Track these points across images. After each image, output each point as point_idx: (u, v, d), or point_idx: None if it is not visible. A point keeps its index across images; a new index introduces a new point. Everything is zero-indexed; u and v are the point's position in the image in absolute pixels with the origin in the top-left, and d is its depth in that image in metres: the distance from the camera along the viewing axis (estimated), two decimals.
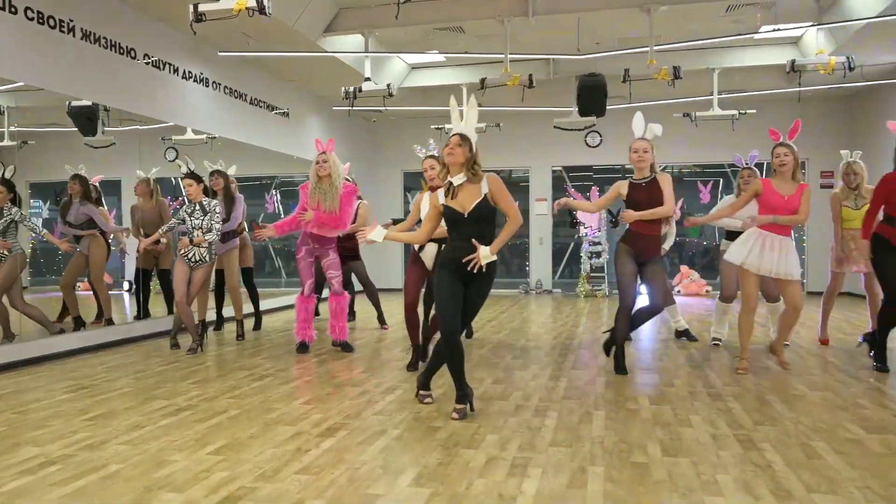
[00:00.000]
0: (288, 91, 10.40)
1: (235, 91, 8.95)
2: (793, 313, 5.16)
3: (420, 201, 5.12)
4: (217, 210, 6.31)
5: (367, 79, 8.39)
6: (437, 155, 5.37)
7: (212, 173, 7.19)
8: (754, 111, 10.14)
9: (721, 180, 13.13)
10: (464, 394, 4.00)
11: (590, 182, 13.08)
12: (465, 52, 9.48)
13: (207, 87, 8.35)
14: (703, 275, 12.45)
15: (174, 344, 6.49)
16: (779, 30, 7.94)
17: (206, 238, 6.22)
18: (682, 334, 6.86)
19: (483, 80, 8.24)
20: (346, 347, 6.27)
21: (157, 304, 7.85)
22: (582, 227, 12.26)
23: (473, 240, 3.87)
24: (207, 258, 6.30)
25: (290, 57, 8.63)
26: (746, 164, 6.54)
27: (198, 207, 6.27)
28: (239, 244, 7.37)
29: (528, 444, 3.44)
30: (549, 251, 13.32)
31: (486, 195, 3.89)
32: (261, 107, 9.61)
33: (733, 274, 6.13)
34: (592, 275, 12.25)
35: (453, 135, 3.91)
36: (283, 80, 10.16)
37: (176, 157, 8.77)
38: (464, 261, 3.87)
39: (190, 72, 8.00)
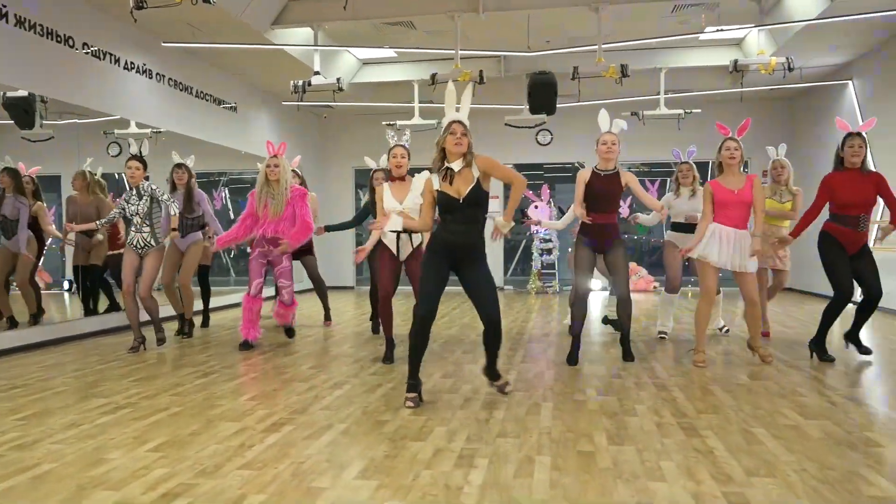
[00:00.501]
0: (236, 85, 10.21)
1: (181, 84, 8.74)
2: (750, 306, 5.25)
3: (382, 195, 5.26)
4: (164, 197, 6.05)
5: (317, 73, 8.29)
6: (407, 146, 5.52)
7: (177, 166, 6.92)
8: (699, 110, 10.36)
9: (668, 179, 13.40)
10: (414, 384, 4.08)
11: (540, 181, 13.20)
12: (417, 48, 9.46)
13: (151, 78, 8.13)
14: (651, 272, 12.70)
15: (139, 344, 6.05)
16: (722, 30, 8.12)
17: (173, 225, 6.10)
18: (611, 322, 6.89)
19: (434, 76, 8.23)
20: (247, 345, 6.14)
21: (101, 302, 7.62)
22: (534, 226, 12.34)
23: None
24: (153, 242, 5.97)
25: (237, 49, 8.46)
26: (685, 160, 6.71)
27: (134, 192, 5.96)
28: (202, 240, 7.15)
29: (475, 436, 3.44)
30: (501, 249, 13.38)
31: (478, 179, 3.98)
32: (207, 100, 9.40)
33: (678, 266, 6.39)
34: (543, 271, 12.36)
35: (454, 123, 3.95)
36: (230, 73, 9.96)
37: (120, 153, 8.53)
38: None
39: (132, 62, 7.77)
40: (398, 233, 5.33)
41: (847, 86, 9.98)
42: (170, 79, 8.49)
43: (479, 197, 3.99)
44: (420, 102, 10.61)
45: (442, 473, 2.91)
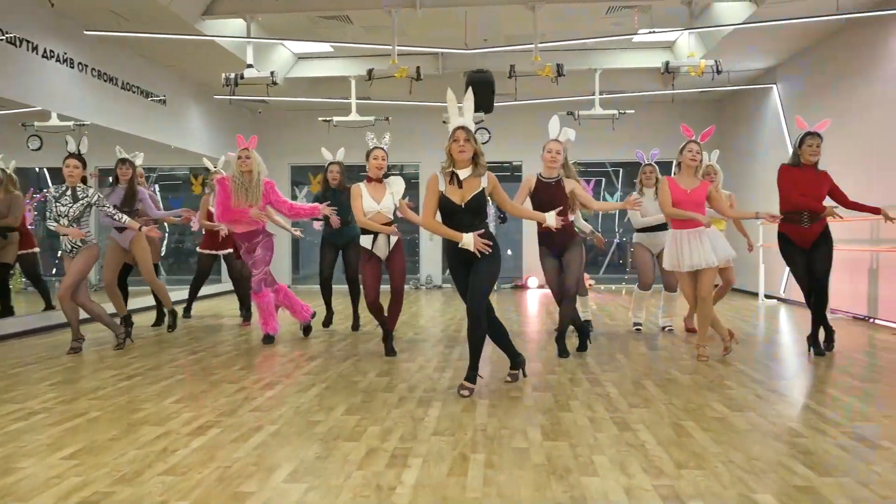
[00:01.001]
0: (165, 77, 9.87)
1: (106, 74, 8.38)
2: (700, 304, 5.32)
3: (360, 191, 5.39)
4: (104, 205, 5.83)
5: (250, 65, 8.07)
6: (386, 149, 5.67)
7: (121, 161, 6.65)
8: (633, 111, 10.57)
9: (603, 179, 13.66)
10: (515, 361, 4.51)
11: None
12: (353, 43, 9.32)
13: (73, 68, 7.76)
14: (586, 269, 12.90)
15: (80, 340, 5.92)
16: (654, 32, 8.29)
17: (121, 220, 5.92)
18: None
19: (370, 71, 8.15)
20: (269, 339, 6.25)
21: (19, 302, 7.25)
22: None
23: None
24: (80, 243, 5.70)
25: (165, 40, 8.17)
26: (647, 161, 6.87)
27: (69, 192, 5.67)
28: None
29: (410, 435, 3.38)
30: (439, 247, 13.35)
31: (483, 189, 4.12)
32: (135, 92, 9.04)
33: (650, 265, 6.65)
34: None
35: (458, 129, 4.04)
36: (160, 64, 9.62)
37: (40, 146, 8.13)
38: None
39: (52, 51, 7.40)
40: (375, 234, 5.41)
41: (772, 89, 10.35)
42: (94, 69, 8.13)
43: (479, 204, 4.14)
44: (357, 98, 10.50)
45: (374, 474, 2.84)
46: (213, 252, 7.74)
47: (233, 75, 8.01)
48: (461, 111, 4.14)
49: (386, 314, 5.66)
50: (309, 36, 9.46)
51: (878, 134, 7.54)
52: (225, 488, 2.69)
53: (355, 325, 7.08)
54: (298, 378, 4.75)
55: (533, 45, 8.10)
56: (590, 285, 12.54)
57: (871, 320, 7.56)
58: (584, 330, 5.70)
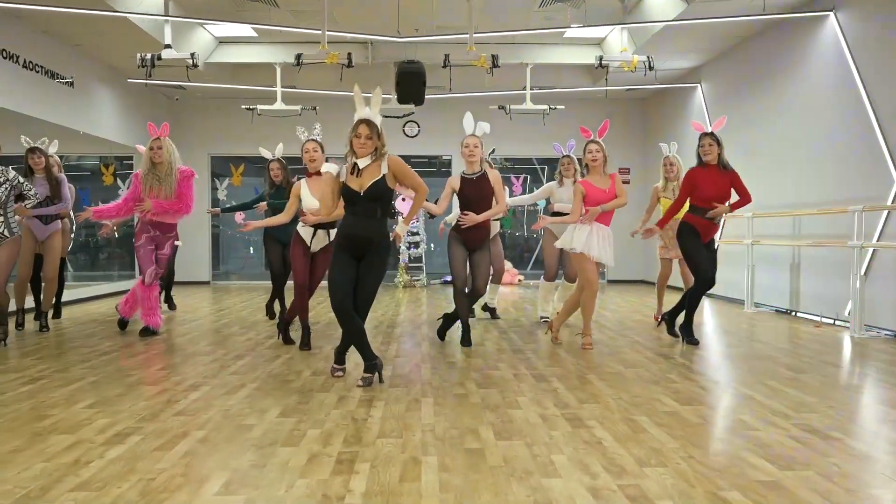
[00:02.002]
0: (73, 57, 9.15)
1: (5, 51, 7.67)
2: (581, 293, 5.55)
3: (299, 190, 5.24)
4: (21, 181, 5.60)
5: (168, 46, 7.55)
6: (319, 139, 5.48)
7: (31, 150, 6.31)
8: (563, 107, 10.58)
9: (529, 176, 13.67)
10: (372, 364, 4.21)
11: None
12: (274, 27, 8.88)
13: None
14: (516, 265, 12.92)
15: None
16: (587, 26, 8.27)
17: (27, 205, 5.66)
18: (490, 311, 7.38)
19: (299, 56, 7.81)
20: (149, 332, 6.08)
21: None
22: (399, 217, 12.14)
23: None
24: (7, 234, 5.44)
25: (73, 15, 7.52)
26: (565, 153, 6.82)
27: None
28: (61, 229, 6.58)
29: (353, 438, 3.13)
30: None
31: (384, 175, 4.07)
32: (38, 72, 8.33)
33: (556, 255, 6.72)
34: (411, 265, 12.18)
35: (360, 122, 4.02)
36: (67, 43, 8.91)
37: None
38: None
39: None
40: (316, 227, 5.29)
41: (696, 88, 10.58)
42: None
43: (380, 191, 4.07)
44: (283, 87, 10.07)
45: (319, 482, 2.59)
46: None
47: (149, 56, 7.48)
48: (368, 101, 4.08)
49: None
50: (232, 18, 8.96)
51: (797, 133, 7.78)
52: None
53: (272, 314, 7.19)
54: (225, 378, 4.41)
55: (467, 36, 7.94)
56: (519, 281, 12.59)
57: (794, 314, 7.80)
58: (468, 327, 5.66)
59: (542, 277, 7.11)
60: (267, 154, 6.72)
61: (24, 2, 7.07)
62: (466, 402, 3.80)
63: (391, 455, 2.90)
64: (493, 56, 7.79)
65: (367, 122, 4.03)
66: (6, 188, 5.43)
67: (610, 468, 2.74)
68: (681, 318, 5.79)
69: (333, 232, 5.26)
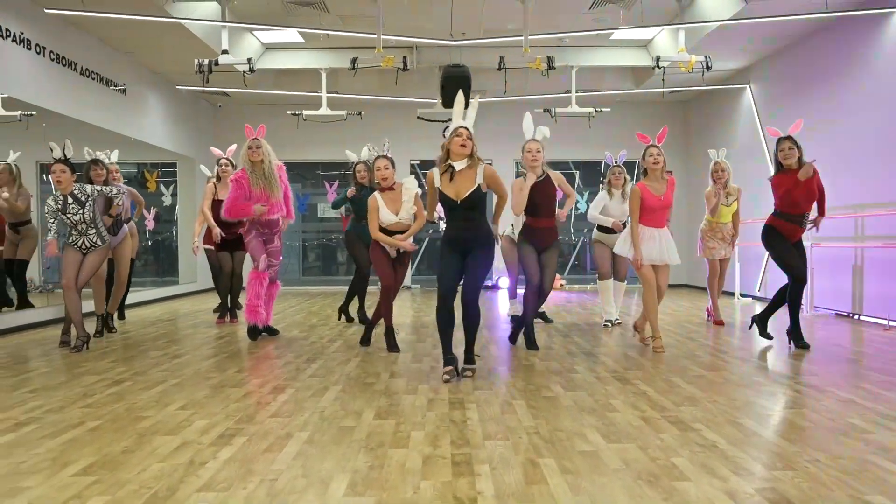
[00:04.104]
0: (126, 65, 9.26)
1: (64, 59, 7.77)
2: (659, 295, 5.57)
3: (377, 205, 5.28)
4: (109, 192, 5.83)
5: (225, 51, 7.61)
6: (389, 155, 5.52)
7: (94, 161, 6.40)
8: (609, 109, 10.51)
9: (577, 173, 13.57)
10: (471, 357, 4.53)
11: None
12: (327, 31, 8.90)
13: (30, 49, 7.15)
14: (559, 271, 12.83)
15: (65, 341, 5.82)
16: (641, 26, 8.19)
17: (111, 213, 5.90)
18: (540, 315, 7.32)
19: (354, 60, 7.79)
20: (271, 331, 6.34)
21: None
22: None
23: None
24: (99, 242, 5.64)
25: (131, 22, 7.60)
26: (616, 162, 6.95)
27: (70, 200, 5.50)
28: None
29: (460, 440, 3.08)
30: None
31: (479, 185, 4.31)
32: (94, 79, 8.43)
33: (606, 257, 6.88)
34: None
35: (462, 128, 4.34)
36: (121, 51, 9.02)
37: None
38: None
39: (8, 30, 6.79)
40: (392, 235, 5.35)
41: (745, 90, 10.44)
42: (52, 52, 7.51)
43: (476, 200, 4.35)
44: (328, 92, 10.11)
45: (444, 484, 2.54)
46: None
47: (206, 61, 7.53)
48: (465, 115, 4.46)
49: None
50: (283, 23, 9.00)
51: (859, 132, 7.62)
52: None
53: (349, 317, 7.25)
54: (306, 381, 4.39)
55: (518, 38, 7.91)
56: (562, 285, 12.50)
57: (856, 317, 7.63)
58: (532, 329, 5.68)
59: (597, 279, 7.14)
60: (352, 156, 6.85)
61: (89, 10, 7.14)
62: (559, 405, 3.73)
63: (506, 457, 2.84)
64: (548, 58, 7.73)
65: (466, 128, 4.36)
66: (90, 205, 5.57)
67: (737, 471, 2.66)
68: (765, 320, 5.88)
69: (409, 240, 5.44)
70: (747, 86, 10.35)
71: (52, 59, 7.55)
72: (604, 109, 10.37)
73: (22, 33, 6.98)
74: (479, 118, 11.95)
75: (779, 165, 5.47)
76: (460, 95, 4.53)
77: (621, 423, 3.37)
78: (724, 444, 3.01)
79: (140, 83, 9.69)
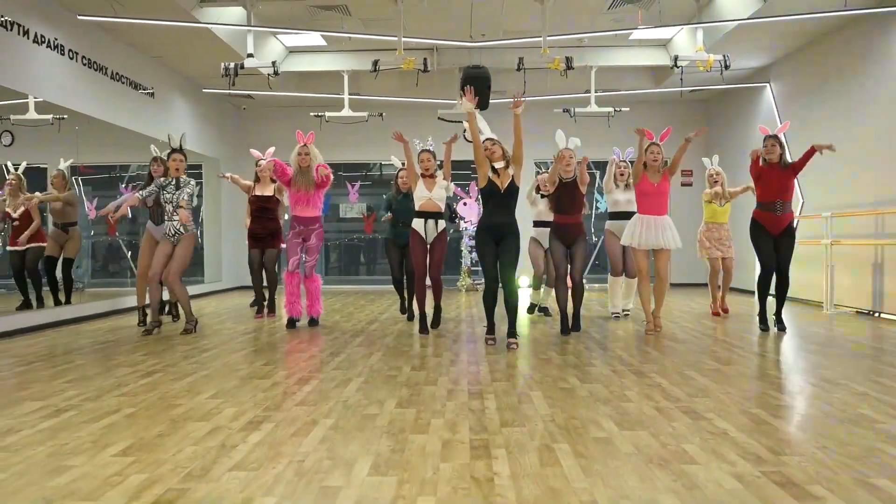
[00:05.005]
0: (155, 69, 9.51)
1: (96, 63, 8.02)
2: (658, 282, 6.31)
3: (418, 184, 6.36)
4: (191, 183, 6.45)
5: (250, 55, 7.80)
6: (432, 149, 6.53)
7: (154, 159, 7.01)
8: (628, 109, 10.56)
9: (597, 173, 13.61)
10: (514, 331, 5.53)
11: (467, 179, 13.07)
12: (349, 34, 9.08)
13: (63, 55, 7.40)
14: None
15: (157, 323, 6.48)
16: (660, 26, 8.25)
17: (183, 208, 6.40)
18: (542, 310, 7.86)
19: (376, 62, 7.94)
20: (312, 322, 6.97)
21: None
22: (462, 222, 12.22)
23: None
24: (183, 230, 6.33)
25: (160, 28, 7.84)
26: (623, 158, 7.56)
27: (173, 182, 6.36)
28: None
29: (478, 427, 3.21)
30: None
31: (513, 177, 5.58)
32: (123, 83, 8.68)
33: (618, 251, 7.35)
34: (473, 268, 12.25)
35: (487, 139, 5.69)
36: (150, 55, 9.27)
37: (12, 142, 7.83)
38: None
39: (43, 36, 7.04)
40: (426, 219, 6.32)
41: (765, 88, 10.43)
42: (84, 57, 7.77)
43: (513, 188, 5.57)
44: (350, 94, 10.28)
45: (463, 465, 2.66)
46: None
47: (232, 65, 7.74)
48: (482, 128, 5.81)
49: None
50: (307, 27, 9.19)
51: (881, 129, 7.62)
52: (308, 483, 2.49)
53: (410, 316, 7.46)
54: (330, 373, 4.54)
55: (537, 39, 8.01)
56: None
57: (877, 315, 7.62)
58: (566, 316, 6.32)
59: (609, 274, 7.59)
60: (398, 163, 7.36)
61: (122, 16, 7.38)
62: (575, 396, 3.84)
63: (522, 442, 2.96)
64: (567, 58, 7.82)
65: (490, 139, 5.69)
66: (185, 191, 6.32)
67: (745, 456, 2.75)
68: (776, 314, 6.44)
69: (441, 223, 6.39)
70: (767, 84, 10.35)
71: (84, 64, 7.79)
72: (623, 109, 10.44)
73: (56, 39, 7.23)
74: (498, 119, 12.17)
75: (763, 160, 6.23)
76: (479, 115, 5.84)
77: (635, 412, 3.47)
78: (735, 431, 3.11)
79: (168, 87, 9.94)
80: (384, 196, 7.53)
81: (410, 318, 7.40)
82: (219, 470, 2.63)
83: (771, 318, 6.46)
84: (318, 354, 5.28)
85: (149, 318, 6.59)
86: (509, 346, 5.39)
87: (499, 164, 5.56)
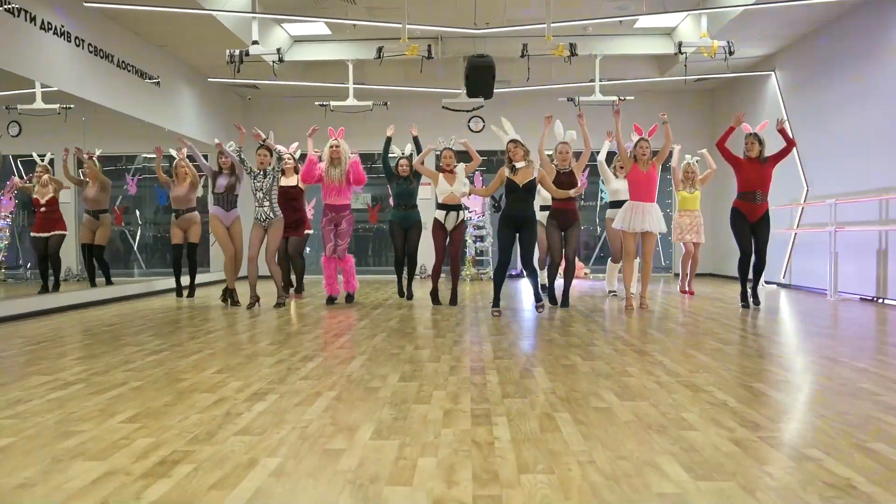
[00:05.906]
0: (160, 57, 9.56)
1: (102, 51, 8.07)
2: (644, 265, 6.99)
3: (437, 176, 7.42)
4: (276, 172, 7.24)
5: (255, 42, 7.84)
6: (454, 148, 7.51)
7: (220, 153, 7.68)
8: (633, 98, 10.56)
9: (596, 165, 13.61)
10: (539, 296, 6.60)
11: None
12: (354, 21, 9.10)
13: (70, 42, 7.45)
14: (583, 261, 12.91)
15: (256, 298, 7.26)
16: (664, 12, 8.24)
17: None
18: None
19: (380, 49, 7.97)
20: (349, 298, 7.79)
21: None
22: (466, 212, 12.24)
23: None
24: (272, 215, 7.13)
25: (165, 15, 7.88)
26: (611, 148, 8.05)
27: (261, 172, 7.16)
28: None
29: (480, 398, 3.24)
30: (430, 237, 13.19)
31: (535, 177, 6.36)
32: (130, 71, 8.74)
33: (618, 240, 7.85)
34: (477, 258, 12.28)
35: (510, 142, 6.40)
36: (155, 44, 9.32)
37: (20, 132, 7.88)
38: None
39: (49, 23, 7.09)
40: (447, 211, 7.27)
41: (770, 76, 10.41)
42: (90, 44, 7.82)
43: (532, 185, 6.35)
44: (355, 83, 10.30)
45: (464, 431, 2.70)
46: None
47: (237, 52, 7.77)
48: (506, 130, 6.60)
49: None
50: (312, 15, 9.21)
51: (878, 120, 7.61)
52: (311, 446, 2.53)
53: (410, 296, 8.06)
54: (334, 352, 4.58)
55: (541, 27, 8.01)
56: (586, 274, 12.57)
57: (881, 300, 7.63)
58: (553, 290, 7.37)
59: (609, 259, 8.46)
60: (398, 151, 7.99)
61: (127, 2, 7.42)
62: (577, 371, 3.87)
63: (523, 411, 3.00)
64: (570, 44, 7.83)
65: (514, 141, 6.38)
66: (270, 178, 7.12)
67: (744, 424, 2.78)
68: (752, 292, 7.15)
69: (461, 213, 7.33)
70: (772, 73, 10.33)
71: (91, 52, 7.85)
72: (628, 98, 10.43)
73: (63, 26, 7.28)
74: (502, 106, 12.16)
75: (744, 155, 6.92)
76: (503, 118, 6.73)
77: (636, 385, 3.50)
78: (734, 402, 3.13)
79: (173, 76, 9.99)
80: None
81: (410, 297, 8.04)
82: (224, 434, 2.67)
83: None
84: (323, 335, 5.33)
85: (249, 295, 7.28)
86: (538, 309, 6.48)
87: (520, 164, 6.30)
